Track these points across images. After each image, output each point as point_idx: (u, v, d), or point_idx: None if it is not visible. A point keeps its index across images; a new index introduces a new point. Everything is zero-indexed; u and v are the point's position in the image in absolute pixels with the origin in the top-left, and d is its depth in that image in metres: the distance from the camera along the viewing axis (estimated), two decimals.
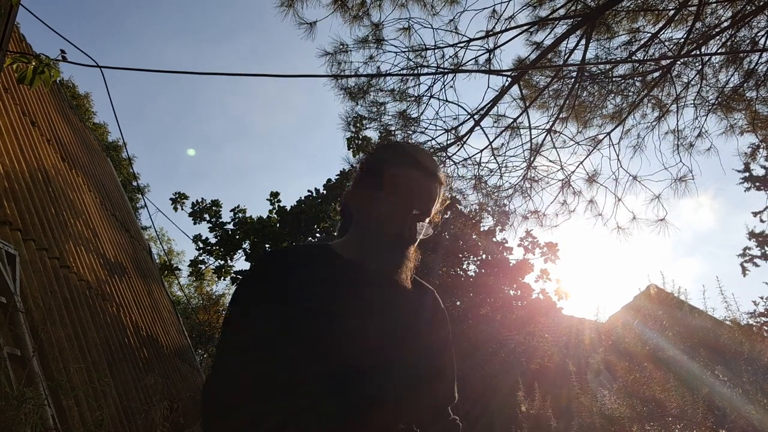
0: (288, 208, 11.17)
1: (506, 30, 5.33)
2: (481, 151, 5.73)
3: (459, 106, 5.51)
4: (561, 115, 5.70)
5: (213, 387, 1.05)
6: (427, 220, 1.22)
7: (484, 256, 10.22)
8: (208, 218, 11.43)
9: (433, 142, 5.65)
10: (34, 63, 2.90)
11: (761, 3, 4.80)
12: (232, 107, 43.11)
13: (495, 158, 5.78)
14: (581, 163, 5.81)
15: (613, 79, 5.64)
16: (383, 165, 1.22)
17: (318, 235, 10.93)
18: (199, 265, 11.63)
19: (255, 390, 1.02)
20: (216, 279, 17.30)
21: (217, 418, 1.01)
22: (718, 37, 5.22)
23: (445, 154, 5.76)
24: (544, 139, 5.74)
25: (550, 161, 5.80)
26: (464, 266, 10.39)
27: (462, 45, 5.31)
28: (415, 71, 5.42)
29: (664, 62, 5.35)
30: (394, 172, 1.20)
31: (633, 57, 5.43)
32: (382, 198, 1.18)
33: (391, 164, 1.21)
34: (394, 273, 1.19)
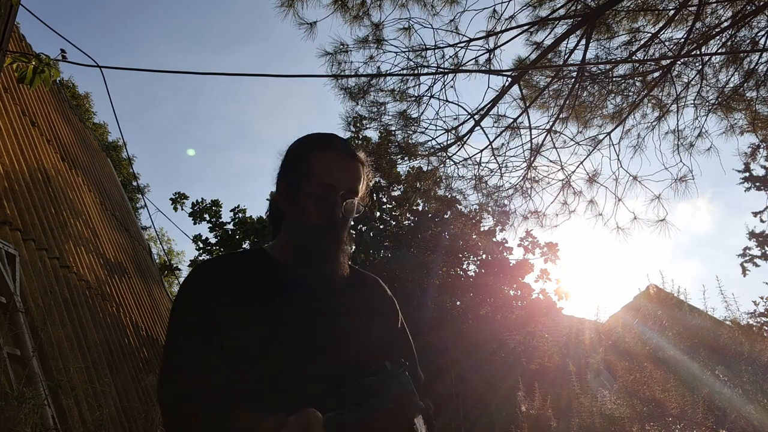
0: None
1: (506, 30, 5.33)
2: (482, 151, 5.74)
3: (459, 106, 5.52)
4: (561, 115, 5.70)
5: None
6: (356, 199, 1.22)
7: (484, 256, 10.22)
8: (208, 218, 11.42)
9: (434, 142, 5.66)
10: (34, 63, 2.90)
11: (761, 3, 4.80)
12: (233, 112, 43.17)
13: (495, 158, 5.78)
14: (581, 163, 5.82)
15: (613, 79, 5.64)
16: (304, 152, 1.23)
17: None
18: None
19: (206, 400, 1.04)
20: None
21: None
22: (718, 37, 5.22)
23: (445, 154, 5.76)
24: (545, 139, 5.75)
25: (551, 161, 5.81)
26: (464, 266, 10.38)
27: (462, 45, 5.31)
28: (416, 71, 5.42)
29: (664, 62, 5.35)
30: (315, 155, 1.20)
31: (633, 57, 5.43)
32: (309, 185, 1.18)
33: (311, 149, 1.22)
34: (331, 265, 1.18)
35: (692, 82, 5.51)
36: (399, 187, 9.96)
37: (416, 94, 5.54)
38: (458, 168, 5.86)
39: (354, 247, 10.18)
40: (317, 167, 1.19)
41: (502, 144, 5.76)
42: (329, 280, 1.18)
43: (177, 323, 1.15)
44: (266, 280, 1.18)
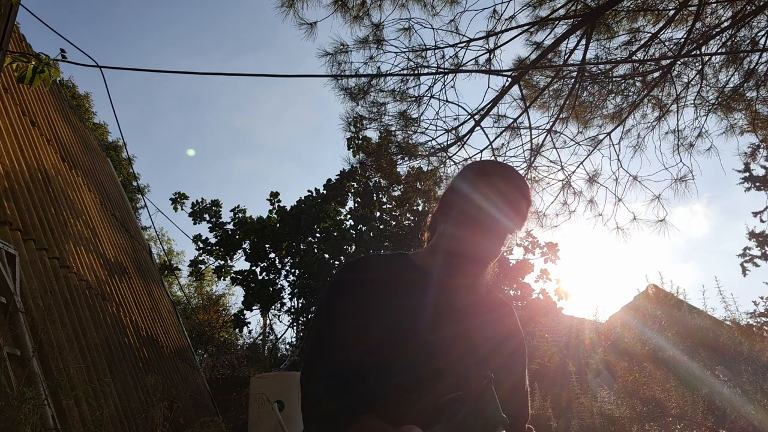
0: (288, 208, 11.17)
1: (506, 30, 5.33)
2: (482, 151, 5.74)
3: (459, 106, 5.53)
4: (561, 116, 5.70)
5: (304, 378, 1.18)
6: (510, 236, 1.27)
7: None
8: (208, 218, 11.42)
9: (434, 142, 5.66)
10: (34, 62, 2.90)
11: (761, 3, 4.80)
12: (235, 117, 43.21)
13: (495, 158, 5.78)
14: (581, 163, 5.82)
15: (614, 79, 5.64)
16: (476, 174, 1.28)
17: (318, 235, 10.93)
18: (199, 265, 11.62)
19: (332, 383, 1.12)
20: (216, 279, 17.31)
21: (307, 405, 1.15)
22: (718, 37, 5.22)
23: (445, 154, 5.76)
24: (545, 139, 5.75)
25: (551, 161, 5.81)
26: None
27: (462, 45, 5.32)
28: (416, 71, 5.42)
29: (664, 62, 5.35)
30: (488, 183, 1.24)
31: (633, 57, 5.43)
32: (471, 210, 1.22)
33: (486, 175, 1.26)
34: (457, 282, 1.23)
35: (692, 82, 5.51)
36: (399, 187, 9.95)
37: (416, 95, 5.55)
38: (458, 168, 5.86)
39: (355, 247, 10.18)
40: (490, 195, 1.22)
41: (503, 144, 5.77)
42: (454, 290, 1.23)
43: (327, 309, 1.23)
44: (403, 277, 1.24)
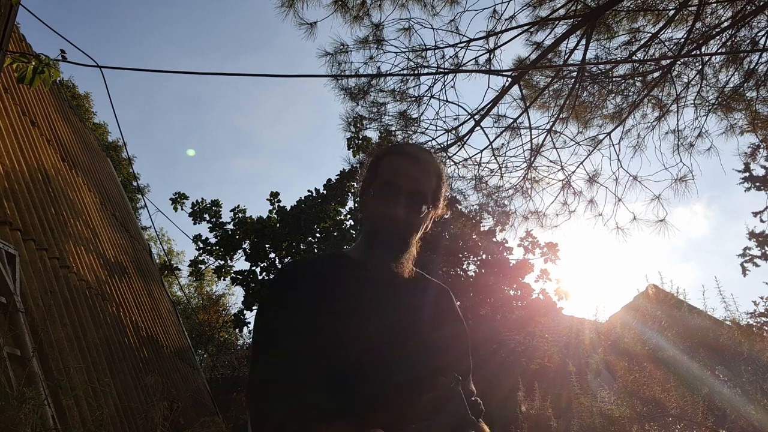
0: (288, 208, 11.17)
1: (506, 30, 5.33)
2: (482, 151, 5.74)
3: (459, 106, 5.51)
4: (561, 116, 5.70)
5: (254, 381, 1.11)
6: (432, 205, 1.26)
7: (484, 256, 10.22)
8: (208, 218, 11.42)
9: (434, 143, 5.65)
10: (34, 63, 2.90)
11: (761, 3, 4.80)
12: (235, 118, 43.20)
13: (495, 158, 5.77)
14: (581, 163, 5.81)
15: (613, 79, 5.64)
16: (376, 158, 1.30)
17: (318, 235, 10.92)
18: (199, 265, 11.62)
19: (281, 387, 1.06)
20: (216, 279, 17.30)
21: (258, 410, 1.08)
22: (718, 37, 5.21)
23: (445, 155, 5.75)
24: (545, 139, 5.74)
25: (551, 161, 5.81)
26: (464, 266, 10.38)
27: (462, 45, 5.31)
28: (416, 71, 5.42)
29: (664, 62, 5.34)
30: (384, 158, 1.27)
31: (633, 57, 5.42)
32: (374, 185, 1.24)
33: (383, 154, 1.29)
34: (394, 268, 1.21)
35: (692, 82, 5.51)
36: None
37: (416, 95, 5.54)
38: (458, 168, 5.86)
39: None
40: (382, 168, 1.25)
41: (503, 144, 5.76)
42: (393, 280, 1.21)
43: (268, 318, 1.17)
44: (343, 277, 1.23)
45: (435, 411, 0.98)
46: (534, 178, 5.90)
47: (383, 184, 1.22)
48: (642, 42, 5.37)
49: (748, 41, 5.22)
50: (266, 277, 10.88)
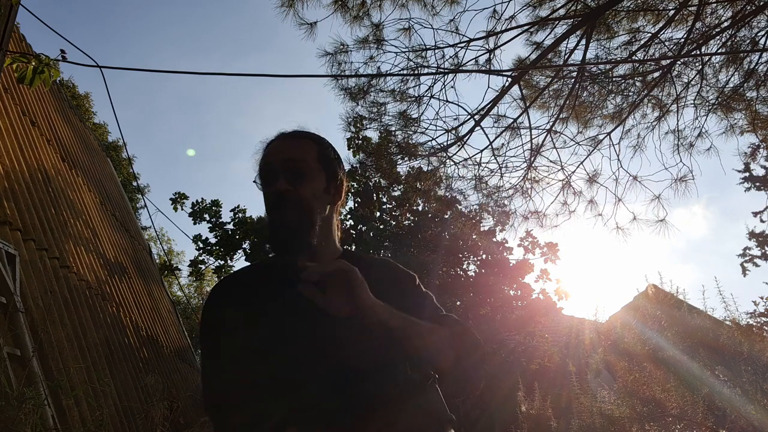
0: None
1: (506, 30, 5.33)
2: (482, 151, 5.74)
3: (459, 106, 5.52)
4: (561, 116, 5.70)
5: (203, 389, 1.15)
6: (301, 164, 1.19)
7: (484, 256, 10.21)
8: (208, 218, 11.40)
9: (434, 143, 5.66)
10: (34, 63, 2.90)
11: (761, 3, 4.80)
12: (235, 118, 43.26)
13: (495, 158, 5.78)
14: (581, 163, 5.81)
15: (613, 79, 5.64)
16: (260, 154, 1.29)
17: None
18: (199, 265, 11.60)
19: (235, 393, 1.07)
20: (216, 279, 17.30)
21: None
22: (718, 37, 5.22)
23: (445, 154, 5.76)
24: (545, 139, 5.74)
25: (551, 161, 5.81)
26: (464, 266, 10.38)
27: (462, 45, 5.31)
28: (416, 71, 5.42)
29: (664, 62, 5.34)
30: (262, 150, 1.27)
31: (633, 57, 5.43)
32: (258, 176, 1.24)
33: (262, 148, 1.28)
34: (297, 245, 1.13)
35: (692, 82, 5.51)
36: (399, 187, 9.96)
37: (416, 95, 5.54)
38: (458, 168, 5.86)
39: (354, 246, 10.17)
40: (261, 157, 1.24)
41: (502, 144, 5.77)
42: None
43: (200, 332, 1.22)
44: (265, 281, 1.21)
45: (404, 407, 0.91)
46: (534, 178, 5.91)
47: (261, 170, 1.22)
48: (642, 42, 5.37)
49: (748, 41, 5.22)
50: None
